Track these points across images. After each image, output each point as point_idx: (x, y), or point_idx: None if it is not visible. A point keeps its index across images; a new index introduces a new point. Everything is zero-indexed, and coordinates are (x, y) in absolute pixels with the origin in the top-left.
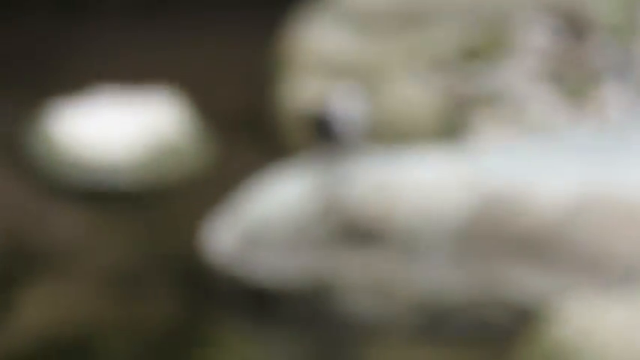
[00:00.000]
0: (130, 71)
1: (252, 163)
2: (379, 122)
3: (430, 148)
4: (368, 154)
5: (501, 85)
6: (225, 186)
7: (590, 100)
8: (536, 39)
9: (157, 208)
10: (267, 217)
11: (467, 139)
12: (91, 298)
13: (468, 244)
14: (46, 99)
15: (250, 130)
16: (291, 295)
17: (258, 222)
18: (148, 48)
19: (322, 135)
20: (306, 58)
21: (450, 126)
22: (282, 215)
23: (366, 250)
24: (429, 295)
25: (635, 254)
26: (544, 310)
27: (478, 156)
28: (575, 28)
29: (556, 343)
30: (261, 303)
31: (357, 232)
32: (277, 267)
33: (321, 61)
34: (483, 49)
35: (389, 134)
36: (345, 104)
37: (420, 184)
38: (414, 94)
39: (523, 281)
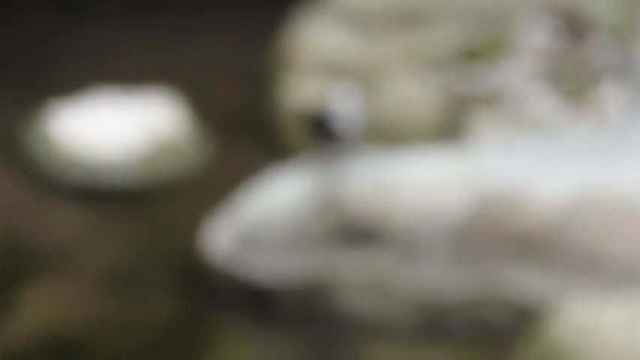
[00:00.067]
0: (129, 71)
1: (251, 163)
2: (378, 122)
3: (429, 147)
4: (366, 154)
5: (501, 84)
6: (223, 186)
7: (590, 100)
8: (535, 39)
9: (155, 207)
10: (265, 216)
11: (466, 138)
12: (90, 297)
13: (467, 244)
14: (45, 99)
15: (249, 129)
16: (290, 294)
17: (256, 221)
18: (148, 48)
19: (321, 135)
20: (305, 58)
21: (449, 126)
22: (280, 215)
23: (365, 250)
24: (427, 295)
25: (634, 254)
26: (543, 309)
27: (477, 156)
28: (574, 28)
29: (555, 342)
30: (259, 302)
31: (356, 231)
32: (276, 266)
33: (320, 61)
34: (482, 48)
35: (388, 134)
36: (344, 104)
37: (419, 183)
38: (413, 94)
39: (522, 281)
